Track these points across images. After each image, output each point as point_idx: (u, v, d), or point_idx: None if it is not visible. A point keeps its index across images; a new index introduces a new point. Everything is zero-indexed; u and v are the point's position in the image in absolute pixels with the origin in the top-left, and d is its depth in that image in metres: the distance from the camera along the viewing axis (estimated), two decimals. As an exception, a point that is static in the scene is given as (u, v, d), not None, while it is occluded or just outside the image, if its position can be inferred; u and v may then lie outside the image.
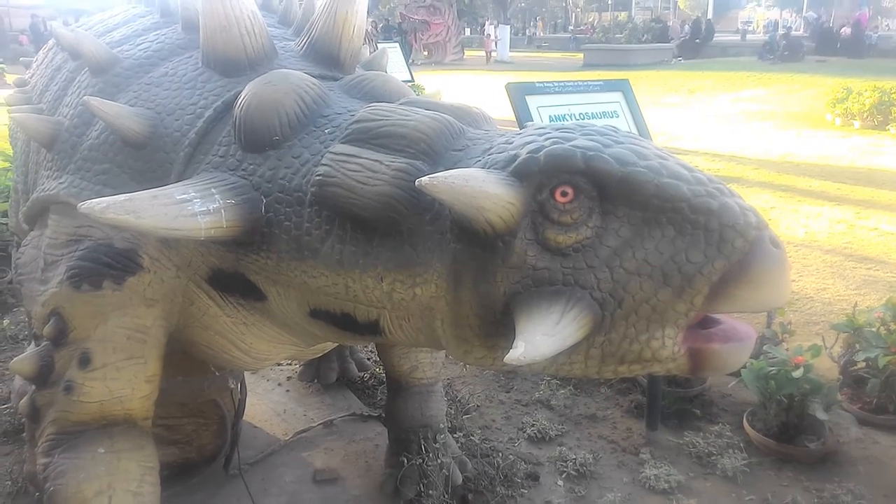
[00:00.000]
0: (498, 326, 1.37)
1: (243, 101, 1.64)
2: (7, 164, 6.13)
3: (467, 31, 36.77)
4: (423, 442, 2.53)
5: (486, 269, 1.33)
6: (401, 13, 30.05)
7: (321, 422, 3.05)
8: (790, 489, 2.64)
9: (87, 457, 1.77)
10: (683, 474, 2.72)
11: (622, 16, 44.49)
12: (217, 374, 2.43)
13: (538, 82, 2.96)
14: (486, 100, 8.27)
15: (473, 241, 1.34)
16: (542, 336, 1.22)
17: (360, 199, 1.43)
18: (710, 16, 36.56)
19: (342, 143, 1.52)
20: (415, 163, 1.44)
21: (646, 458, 2.82)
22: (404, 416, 2.60)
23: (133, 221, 1.46)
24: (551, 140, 1.33)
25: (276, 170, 1.58)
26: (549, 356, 1.23)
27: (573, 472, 2.72)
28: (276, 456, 2.81)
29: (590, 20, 57.64)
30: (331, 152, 1.51)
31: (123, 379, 1.80)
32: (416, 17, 28.53)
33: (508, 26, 29.80)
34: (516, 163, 1.31)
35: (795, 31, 27.68)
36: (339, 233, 1.49)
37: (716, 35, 27.52)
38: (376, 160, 1.45)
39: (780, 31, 24.56)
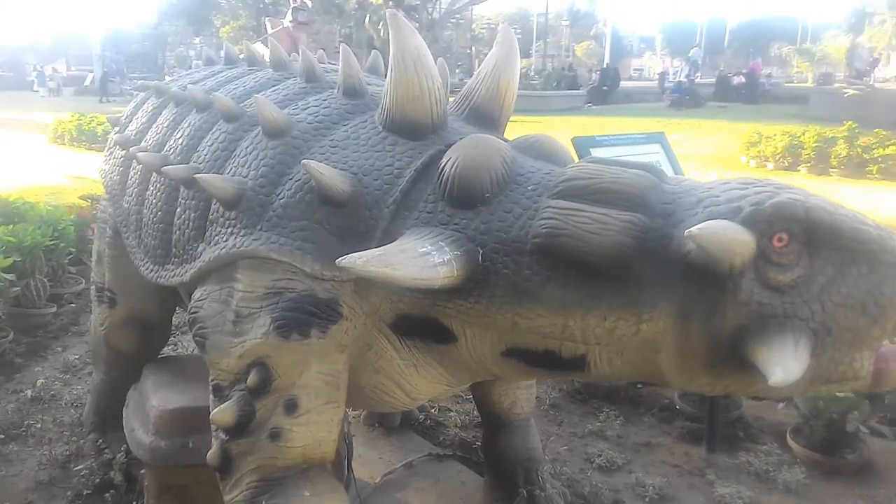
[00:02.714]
0: (724, 356, 1.57)
1: (455, 162, 1.80)
2: None
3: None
4: (532, 474, 2.69)
5: (717, 306, 1.53)
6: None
7: (402, 464, 3.14)
8: (847, 497, 2.96)
9: (297, 501, 1.85)
10: (750, 491, 2.99)
11: (524, 62, 46.43)
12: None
13: (598, 136, 3.28)
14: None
15: (702, 282, 1.54)
16: (792, 361, 1.44)
17: (591, 247, 1.61)
18: (606, 62, 38.84)
19: (556, 198, 1.71)
20: (636, 215, 1.64)
21: (712, 478, 3.08)
22: (508, 450, 2.75)
23: (389, 273, 1.61)
24: (764, 194, 1.55)
25: (490, 223, 1.75)
26: (798, 378, 1.45)
27: (654, 497, 2.94)
28: (371, 498, 2.88)
29: (492, 66, 59.74)
30: (553, 207, 1.69)
31: (322, 422, 1.91)
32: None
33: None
34: (744, 213, 1.52)
35: (697, 79, 29.73)
36: (561, 277, 1.66)
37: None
38: (603, 213, 1.64)
39: (684, 79, 26.48)
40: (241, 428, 1.88)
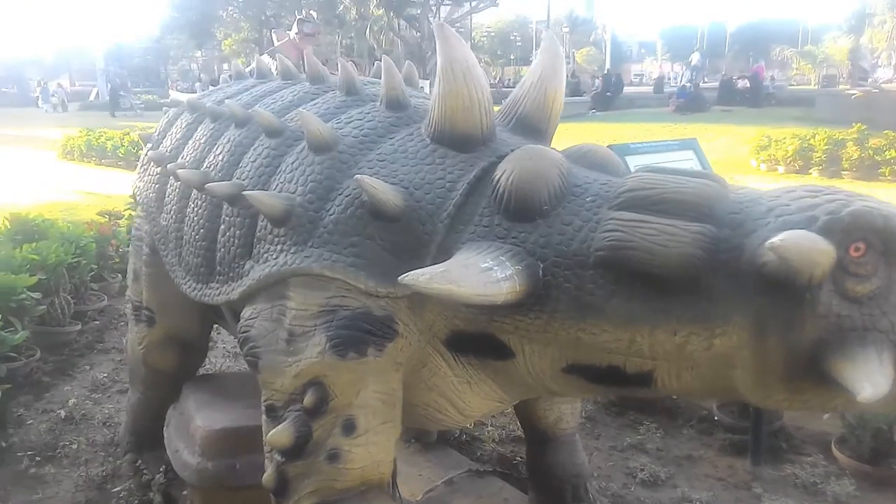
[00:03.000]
0: (802, 371, 1.52)
1: (510, 174, 1.76)
2: None
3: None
4: (580, 490, 2.65)
5: (795, 319, 1.48)
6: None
7: (442, 481, 3.09)
8: (899, 509, 2.91)
9: None
10: (800, 504, 2.94)
11: (524, 70, 46.55)
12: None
13: (632, 143, 3.26)
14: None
15: (778, 295, 1.49)
16: (880, 376, 1.40)
17: (659, 260, 1.57)
18: (607, 68, 38.88)
19: (619, 210, 1.66)
20: (705, 226, 1.59)
21: (759, 492, 3.03)
22: (556, 466, 2.70)
23: (455, 290, 1.57)
24: (838, 202, 1.51)
25: (549, 236, 1.71)
26: (886, 393, 1.41)
27: (702, 512, 2.89)
28: (415, 517, 2.84)
29: (493, 74, 60.03)
30: (616, 219, 1.64)
31: (381, 443, 1.88)
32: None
33: (428, 81, 30.58)
34: (820, 222, 1.47)
35: (702, 83, 29.78)
36: (626, 291, 1.62)
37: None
38: (671, 224, 1.59)
39: (688, 83, 26.51)
40: (298, 449, 1.84)
